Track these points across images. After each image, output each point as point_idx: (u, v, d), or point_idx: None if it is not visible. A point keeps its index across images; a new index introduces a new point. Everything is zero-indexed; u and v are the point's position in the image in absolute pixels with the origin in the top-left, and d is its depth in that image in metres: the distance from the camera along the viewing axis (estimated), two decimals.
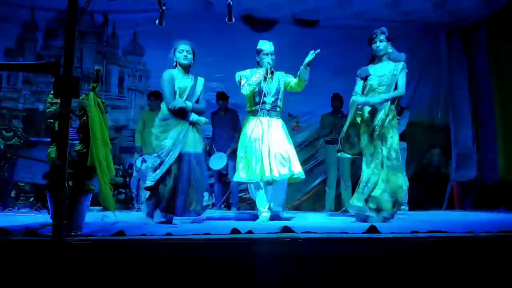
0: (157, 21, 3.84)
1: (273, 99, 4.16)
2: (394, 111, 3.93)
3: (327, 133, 6.00)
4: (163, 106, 3.81)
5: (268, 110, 4.13)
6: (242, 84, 4.12)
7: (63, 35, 1.92)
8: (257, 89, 4.10)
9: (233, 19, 4.03)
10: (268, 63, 4.15)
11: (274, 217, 4.08)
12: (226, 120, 6.08)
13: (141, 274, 2.24)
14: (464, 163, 6.69)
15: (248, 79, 4.08)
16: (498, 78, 6.40)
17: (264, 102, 4.11)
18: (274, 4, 6.35)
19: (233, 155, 6.03)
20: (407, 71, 3.94)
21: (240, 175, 4.04)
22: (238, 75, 4.20)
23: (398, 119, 5.55)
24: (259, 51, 4.26)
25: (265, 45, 4.27)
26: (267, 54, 4.20)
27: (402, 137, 5.62)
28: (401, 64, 3.90)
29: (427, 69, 7.02)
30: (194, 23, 6.39)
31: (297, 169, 4.00)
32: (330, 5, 6.25)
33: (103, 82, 6.50)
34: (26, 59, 6.24)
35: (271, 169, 3.91)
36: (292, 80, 4.24)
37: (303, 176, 4.10)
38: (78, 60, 6.49)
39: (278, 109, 4.21)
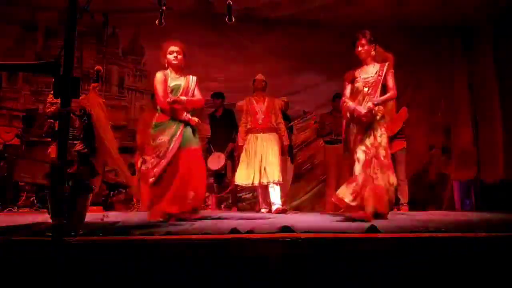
0: (157, 21, 3.83)
1: (263, 117, 5.25)
2: (382, 110, 3.87)
3: (326, 133, 6.00)
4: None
5: (261, 128, 5.25)
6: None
7: (63, 35, 1.92)
8: (250, 109, 5.32)
9: (233, 19, 4.03)
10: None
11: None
12: (223, 120, 6.08)
13: (141, 274, 2.24)
14: (464, 163, 6.68)
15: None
16: (498, 78, 6.40)
17: (256, 121, 5.25)
18: (274, 4, 6.35)
19: (231, 155, 6.04)
20: (393, 71, 3.89)
21: (238, 178, 5.23)
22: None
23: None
24: None
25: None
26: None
27: (401, 137, 5.65)
28: (386, 65, 3.88)
29: (427, 69, 7.03)
30: (194, 23, 6.39)
31: (275, 176, 5.10)
32: (330, 5, 6.25)
33: (103, 82, 6.50)
34: (26, 59, 6.23)
35: (260, 176, 5.09)
36: (278, 119, 5.35)
37: (280, 180, 5.15)
38: (78, 60, 6.49)
39: (271, 124, 5.29)
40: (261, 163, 5.13)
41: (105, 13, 6.58)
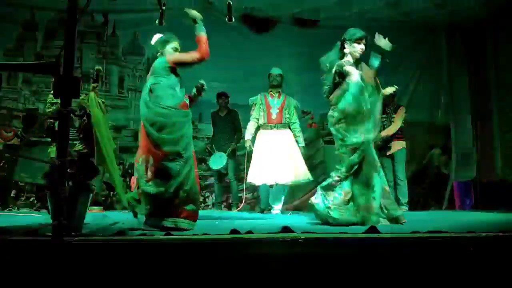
0: (157, 21, 3.82)
1: (278, 112, 5.14)
2: None
3: (326, 133, 6.00)
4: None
5: (275, 124, 5.11)
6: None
7: (63, 35, 1.92)
8: (264, 104, 5.19)
9: (233, 19, 4.03)
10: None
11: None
12: (226, 120, 6.08)
13: (141, 274, 2.24)
14: (464, 163, 6.68)
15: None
16: (498, 78, 6.40)
17: (270, 116, 5.12)
18: (274, 4, 6.35)
19: (233, 155, 6.03)
20: None
21: (252, 177, 5.04)
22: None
23: (393, 117, 5.58)
24: None
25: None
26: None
27: (401, 137, 5.64)
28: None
29: (427, 69, 7.02)
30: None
31: (302, 174, 4.98)
32: (330, 5, 6.24)
33: (103, 82, 6.49)
34: (26, 59, 6.22)
35: (275, 175, 4.84)
36: (293, 119, 5.22)
37: (311, 178, 5.05)
38: (78, 60, 6.47)
39: (285, 120, 5.15)
40: (275, 162, 4.90)
41: (105, 13, 6.58)
